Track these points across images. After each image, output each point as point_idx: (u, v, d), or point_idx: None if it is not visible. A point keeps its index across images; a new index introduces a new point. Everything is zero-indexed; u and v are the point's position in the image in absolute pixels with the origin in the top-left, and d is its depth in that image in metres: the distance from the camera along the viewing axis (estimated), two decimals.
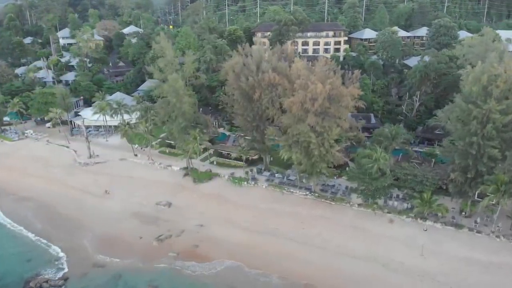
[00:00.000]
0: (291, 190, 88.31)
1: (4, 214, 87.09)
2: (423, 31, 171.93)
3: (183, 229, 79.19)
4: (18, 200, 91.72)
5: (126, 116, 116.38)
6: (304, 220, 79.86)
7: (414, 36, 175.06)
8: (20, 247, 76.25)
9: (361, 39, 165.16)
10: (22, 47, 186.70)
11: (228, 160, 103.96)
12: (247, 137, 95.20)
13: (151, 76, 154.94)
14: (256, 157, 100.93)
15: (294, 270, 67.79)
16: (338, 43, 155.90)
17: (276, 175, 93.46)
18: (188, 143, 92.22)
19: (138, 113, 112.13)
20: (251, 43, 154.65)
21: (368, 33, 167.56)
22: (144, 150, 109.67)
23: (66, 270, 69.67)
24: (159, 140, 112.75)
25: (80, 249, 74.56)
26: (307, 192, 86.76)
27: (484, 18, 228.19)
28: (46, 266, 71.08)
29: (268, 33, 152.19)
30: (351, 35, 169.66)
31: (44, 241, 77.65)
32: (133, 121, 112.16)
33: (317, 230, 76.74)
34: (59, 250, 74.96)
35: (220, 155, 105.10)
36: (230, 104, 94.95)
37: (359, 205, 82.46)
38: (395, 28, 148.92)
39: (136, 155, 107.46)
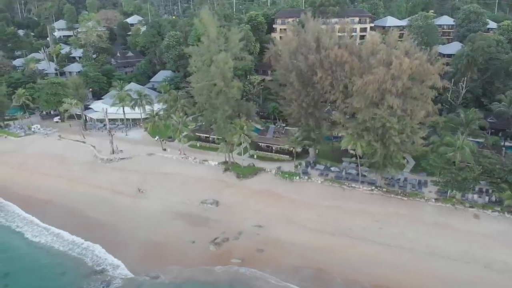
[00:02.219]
0: (352, 185, 77.97)
1: (21, 221, 74.47)
2: (444, 20, 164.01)
3: (240, 231, 68.30)
4: (36, 204, 79.08)
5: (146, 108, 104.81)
6: (378, 218, 69.81)
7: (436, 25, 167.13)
8: (49, 258, 64.22)
9: (384, 27, 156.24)
10: (16, 38, 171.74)
11: (269, 153, 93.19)
12: (290, 127, 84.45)
13: (163, 66, 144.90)
14: (300, 149, 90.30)
15: (384, 276, 57.87)
16: (364, 30, 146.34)
17: (332, 168, 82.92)
18: (233, 134, 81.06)
19: (162, 104, 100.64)
20: (270, 30, 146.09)
21: (391, 21, 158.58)
22: (165, 142, 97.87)
23: (114, 285, 57.74)
24: (185, 133, 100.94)
25: (124, 259, 62.82)
26: (372, 187, 76.64)
27: (496, 9, 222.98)
28: (86, 280, 59.32)
29: (290, 19, 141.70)
30: (373, 23, 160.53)
31: (77, 250, 65.80)
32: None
33: (397, 229, 66.76)
34: (98, 260, 63.07)
35: (259, 148, 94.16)
36: (275, 90, 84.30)
37: (436, 199, 72.67)
38: (431, 13, 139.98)
39: (165, 149, 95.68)
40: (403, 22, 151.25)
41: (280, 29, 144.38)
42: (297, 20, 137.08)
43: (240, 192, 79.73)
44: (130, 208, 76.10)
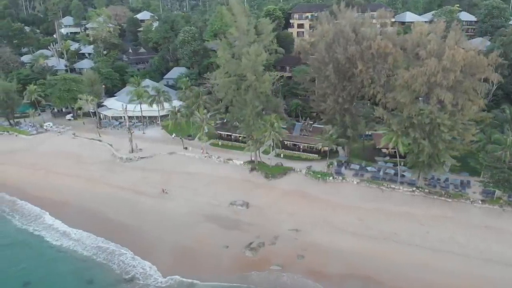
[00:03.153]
0: (391, 186, 73.20)
1: (39, 223, 69.62)
2: (464, 16, 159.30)
3: (276, 235, 63.50)
4: (53, 205, 74.20)
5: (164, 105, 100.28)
6: (423, 221, 65.13)
7: None
8: (73, 264, 59.28)
9: (403, 23, 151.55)
10: (23, 34, 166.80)
11: (296, 152, 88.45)
12: (318, 125, 79.65)
13: (176, 63, 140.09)
14: (327, 148, 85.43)
15: (437, 284, 53.30)
16: (385, 25, 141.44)
17: (368, 168, 78.09)
18: (262, 131, 76.33)
19: (183, 101, 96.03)
20: (287, 26, 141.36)
21: (411, 16, 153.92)
22: (182, 140, 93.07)
23: None
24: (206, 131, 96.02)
25: (155, 264, 58.03)
26: (413, 188, 71.85)
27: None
28: None
29: (307, 14, 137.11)
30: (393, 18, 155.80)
31: (103, 255, 60.87)
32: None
33: (446, 233, 62.08)
34: (126, 266, 58.23)
35: (284, 146, 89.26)
36: (303, 86, 79.46)
37: (482, 201, 67.94)
38: (456, 7, 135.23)
39: (186, 148, 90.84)
40: (423, 18, 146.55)
41: (298, 24, 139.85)
42: (316, 15, 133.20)
43: (270, 193, 74.98)
44: (155, 210, 71.30)
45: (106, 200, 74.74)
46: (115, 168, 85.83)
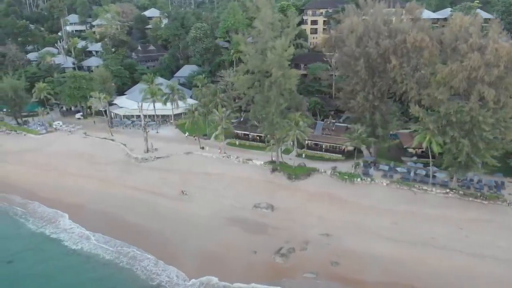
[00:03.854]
0: (423, 187, 69.74)
1: (55, 226, 66.19)
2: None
3: (306, 240, 60.09)
4: (67, 208, 70.79)
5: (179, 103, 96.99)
6: (461, 225, 61.73)
7: None
8: (95, 270, 55.84)
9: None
10: (28, 32, 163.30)
11: (318, 152, 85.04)
12: (340, 124, 76.23)
13: (187, 61, 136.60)
14: (351, 148, 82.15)
15: None
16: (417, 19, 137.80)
17: (398, 169, 74.58)
18: (287, 130, 72.90)
19: (196, 100, 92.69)
20: (301, 22, 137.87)
21: (426, 13, 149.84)
22: (196, 139, 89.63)
23: None
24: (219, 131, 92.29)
25: (180, 270, 54.55)
26: (447, 190, 68.40)
27: None
28: None
29: (321, 10, 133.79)
30: None
31: (125, 259, 57.47)
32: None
33: (486, 237, 58.74)
34: (150, 272, 54.78)
35: (306, 146, 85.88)
36: (328, 82, 76.00)
37: None
38: (476, 3, 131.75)
39: (202, 147, 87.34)
40: (439, 15, 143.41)
41: (311, 21, 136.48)
42: (330, 11, 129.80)
43: (295, 195, 71.53)
44: (175, 212, 67.89)
45: (123, 201, 71.38)
46: (131, 168, 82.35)
